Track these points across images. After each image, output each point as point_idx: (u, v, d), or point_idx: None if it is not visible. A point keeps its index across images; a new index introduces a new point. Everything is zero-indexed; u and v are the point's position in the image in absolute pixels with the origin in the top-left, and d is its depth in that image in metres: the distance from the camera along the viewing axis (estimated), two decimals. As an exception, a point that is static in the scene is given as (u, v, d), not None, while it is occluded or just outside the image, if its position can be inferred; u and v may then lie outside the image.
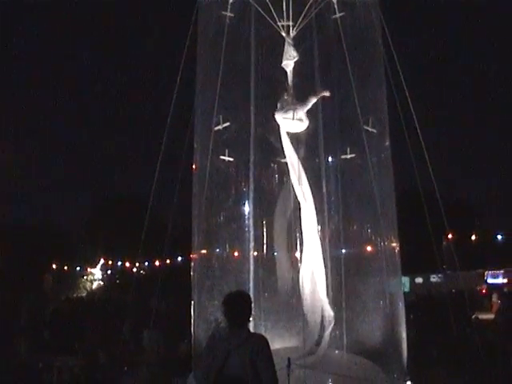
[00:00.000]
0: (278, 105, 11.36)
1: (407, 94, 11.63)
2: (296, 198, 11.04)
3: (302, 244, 11.17)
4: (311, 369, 9.88)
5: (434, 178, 11.94)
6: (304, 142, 11.61)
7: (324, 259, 11.33)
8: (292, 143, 11.25)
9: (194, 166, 11.85)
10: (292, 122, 11.25)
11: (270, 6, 11.38)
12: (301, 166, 11.12)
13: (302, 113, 11.34)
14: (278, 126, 11.33)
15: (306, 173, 11.20)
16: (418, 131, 11.73)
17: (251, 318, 7.36)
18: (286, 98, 11.37)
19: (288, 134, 11.29)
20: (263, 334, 9.81)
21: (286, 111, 11.28)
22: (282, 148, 11.29)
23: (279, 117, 11.26)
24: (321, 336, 11.02)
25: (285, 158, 11.39)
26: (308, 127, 11.44)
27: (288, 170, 11.29)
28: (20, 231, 58.14)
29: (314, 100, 11.42)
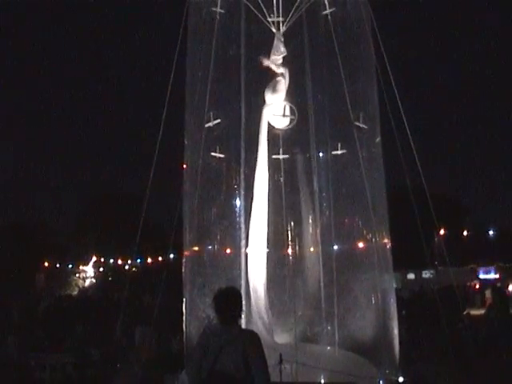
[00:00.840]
0: (266, 99, 11.38)
1: (396, 91, 11.66)
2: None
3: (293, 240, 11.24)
4: (303, 365, 9.88)
5: (423, 174, 12.01)
6: (295, 138, 11.64)
7: (316, 255, 11.37)
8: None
9: (184, 163, 11.84)
10: (282, 117, 11.30)
11: (260, 1, 11.39)
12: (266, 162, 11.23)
13: (290, 108, 11.41)
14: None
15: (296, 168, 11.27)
16: (407, 128, 11.76)
17: (242, 315, 7.36)
18: (273, 93, 11.40)
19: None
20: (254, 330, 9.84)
21: (275, 107, 11.32)
22: (258, 142, 11.34)
23: (268, 113, 11.30)
24: (312, 333, 11.05)
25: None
26: (295, 122, 11.49)
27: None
28: (11, 229, 58.04)
29: (283, 81, 11.49)
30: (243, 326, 9.08)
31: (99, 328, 18.26)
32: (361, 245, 11.75)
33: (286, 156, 11.58)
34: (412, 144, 11.77)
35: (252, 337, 6.67)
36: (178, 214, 11.91)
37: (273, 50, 11.42)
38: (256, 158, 11.39)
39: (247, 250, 11.25)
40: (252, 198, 11.35)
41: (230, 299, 6.78)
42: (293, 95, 11.63)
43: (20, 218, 64.91)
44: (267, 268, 11.33)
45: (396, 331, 11.35)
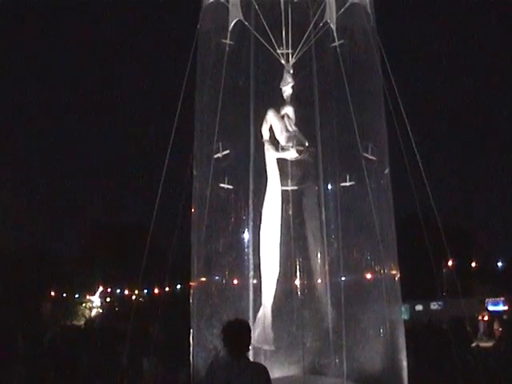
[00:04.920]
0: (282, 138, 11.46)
1: (406, 121, 11.68)
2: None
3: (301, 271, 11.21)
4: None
5: (434, 205, 11.95)
6: (303, 170, 11.65)
7: (324, 286, 11.34)
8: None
9: (193, 194, 11.86)
10: (291, 149, 11.36)
11: (270, 33, 11.45)
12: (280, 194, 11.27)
13: (302, 139, 11.46)
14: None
15: (304, 200, 11.27)
16: (418, 158, 11.77)
17: (250, 347, 7.32)
18: (284, 125, 11.46)
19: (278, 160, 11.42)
20: (263, 362, 9.79)
21: (286, 139, 11.37)
22: (266, 173, 11.38)
23: (282, 154, 11.40)
24: (320, 364, 10.99)
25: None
26: (305, 153, 11.52)
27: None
28: (18, 258, 58.03)
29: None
30: (251, 359, 9.01)
31: (106, 358, 18.19)
32: (369, 276, 11.72)
33: (295, 188, 11.59)
34: (423, 173, 11.77)
35: (260, 370, 6.66)
36: (186, 244, 11.92)
37: (282, 83, 11.50)
38: (265, 188, 11.42)
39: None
40: (258, 230, 11.36)
41: (239, 331, 6.77)
42: (301, 127, 11.67)
43: (26, 246, 64.96)
44: (275, 299, 11.31)
45: (405, 363, 11.27)
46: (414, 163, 11.81)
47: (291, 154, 11.42)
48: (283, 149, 11.45)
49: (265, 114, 11.54)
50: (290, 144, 11.38)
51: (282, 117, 11.59)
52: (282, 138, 11.48)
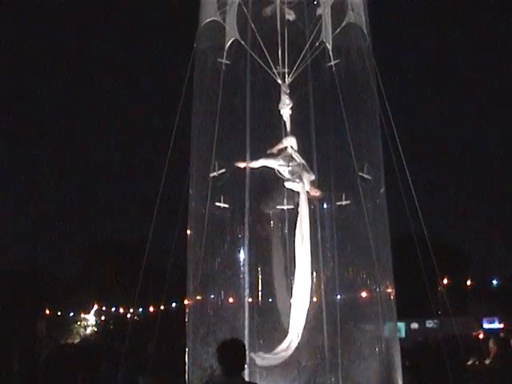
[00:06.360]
0: (286, 170, 11.50)
1: (398, 141, 11.74)
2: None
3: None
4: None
5: (427, 224, 12.03)
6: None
7: (320, 305, 11.35)
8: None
9: (189, 212, 11.88)
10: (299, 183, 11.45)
11: (266, 53, 11.51)
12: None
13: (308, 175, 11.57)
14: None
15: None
16: (409, 178, 11.81)
17: (246, 366, 7.32)
18: (289, 162, 11.54)
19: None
20: (258, 381, 9.79)
21: (293, 178, 11.46)
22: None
23: (290, 185, 11.47)
24: (315, 383, 10.98)
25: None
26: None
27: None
28: (12, 276, 57.83)
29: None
30: (246, 378, 9.01)
31: (101, 377, 18.10)
32: (364, 295, 11.74)
33: (291, 207, 11.62)
34: (414, 194, 11.82)
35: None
36: (182, 263, 11.92)
37: (280, 104, 11.56)
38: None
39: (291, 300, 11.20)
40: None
41: (234, 351, 6.77)
42: (297, 146, 11.71)
43: (20, 264, 64.79)
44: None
45: (400, 382, 11.27)
46: (409, 183, 11.85)
47: (298, 187, 11.50)
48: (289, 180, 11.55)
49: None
50: (295, 177, 11.47)
51: (285, 148, 11.65)
52: (286, 170, 11.55)
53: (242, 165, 11.59)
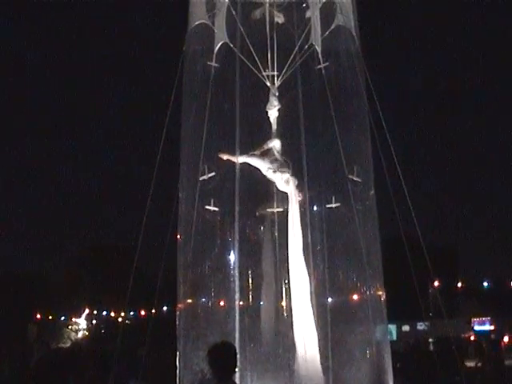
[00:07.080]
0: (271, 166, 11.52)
1: (390, 143, 11.74)
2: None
3: (288, 293, 11.21)
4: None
5: (417, 225, 11.99)
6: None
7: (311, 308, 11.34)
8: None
9: (179, 216, 11.84)
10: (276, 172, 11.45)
11: (255, 56, 11.51)
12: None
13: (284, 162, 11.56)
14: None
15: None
16: (402, 180, 11.81)
17: (237, 369, 7.30)
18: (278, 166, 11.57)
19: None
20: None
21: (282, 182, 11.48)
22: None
23: (282, 187, 11.53)
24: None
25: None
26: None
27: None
28: (3, 280, 57.70)
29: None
30: (237, 382, 8.98)
31: (92, 381, 18.03)
32: (355, 297, 11.73)
33: (280, 209, 11.62)
34: (407, 194, 11.82)
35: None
36: (172, 266, 11.88)
37: (268, 105, 11.57)
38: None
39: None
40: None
41: (225, 354, 6.75)
42: (286, 148, 11.71)
43: (11, 268, 64.71)
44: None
45: (391, 384, 11.28)
46: (399, 184, 11.86)
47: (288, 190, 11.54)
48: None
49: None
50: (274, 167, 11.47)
51: (269, 149, 11.66)
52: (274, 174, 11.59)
53: (224, 157, 11.58)
